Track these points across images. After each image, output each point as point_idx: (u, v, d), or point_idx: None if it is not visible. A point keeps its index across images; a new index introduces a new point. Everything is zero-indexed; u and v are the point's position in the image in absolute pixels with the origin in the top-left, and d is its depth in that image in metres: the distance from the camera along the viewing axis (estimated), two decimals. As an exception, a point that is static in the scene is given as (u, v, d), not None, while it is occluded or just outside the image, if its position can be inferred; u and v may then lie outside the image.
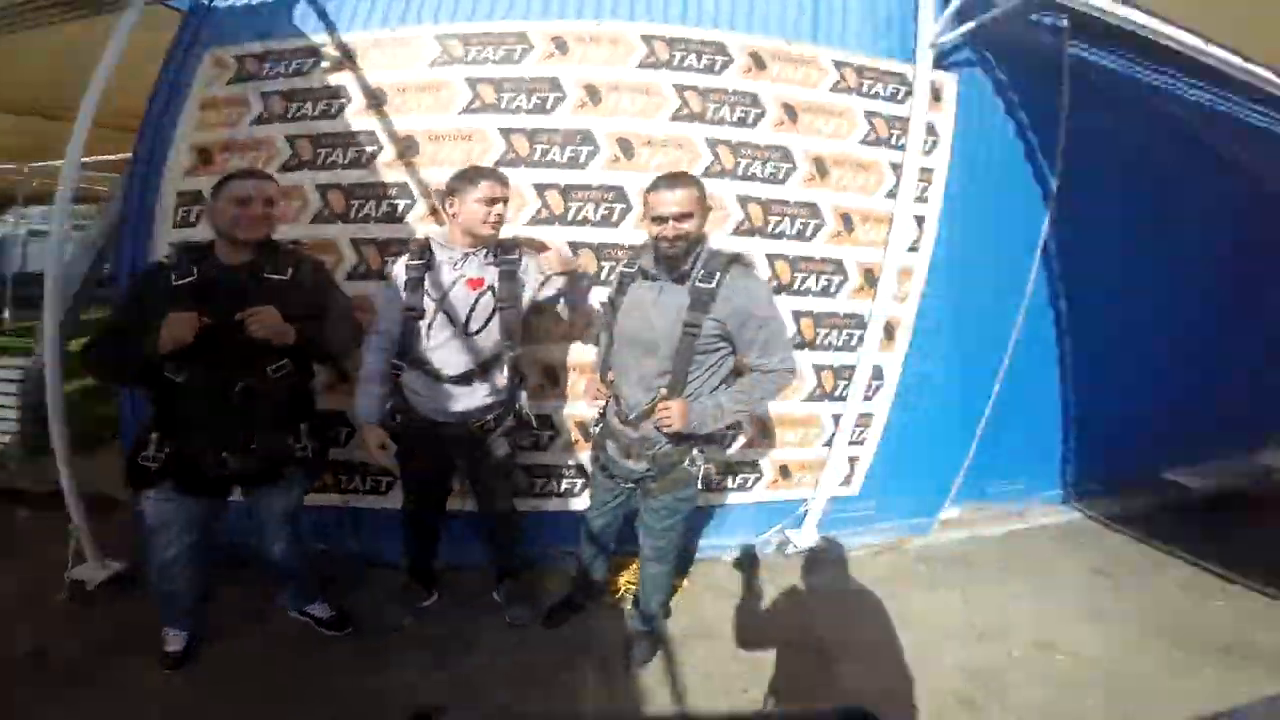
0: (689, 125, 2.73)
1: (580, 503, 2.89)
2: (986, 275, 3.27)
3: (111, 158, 6.17)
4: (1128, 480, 4.43)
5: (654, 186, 1.95)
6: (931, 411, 3.38)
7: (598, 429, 2.32)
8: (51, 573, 2.67)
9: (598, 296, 2.58)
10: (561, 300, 2.29)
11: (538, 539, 2.96)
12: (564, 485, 3.02)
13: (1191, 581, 3.48)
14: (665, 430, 2.00)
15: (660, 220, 1.90)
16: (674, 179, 1.96)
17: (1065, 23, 3.09)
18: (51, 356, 2.55)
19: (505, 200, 2.13)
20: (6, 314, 9.40)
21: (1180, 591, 3.36)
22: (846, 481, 3.34)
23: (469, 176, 2.12)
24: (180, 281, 1.87)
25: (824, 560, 3.33)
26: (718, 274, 1.92)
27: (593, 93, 2.68)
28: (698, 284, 1.93)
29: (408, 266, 2.20)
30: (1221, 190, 4.05)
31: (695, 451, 2.11)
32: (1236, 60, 3.33)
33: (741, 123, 2.78)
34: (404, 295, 2.18)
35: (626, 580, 2.89)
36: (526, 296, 2.27)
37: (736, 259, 2.01)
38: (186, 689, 2.23)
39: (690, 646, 2.66)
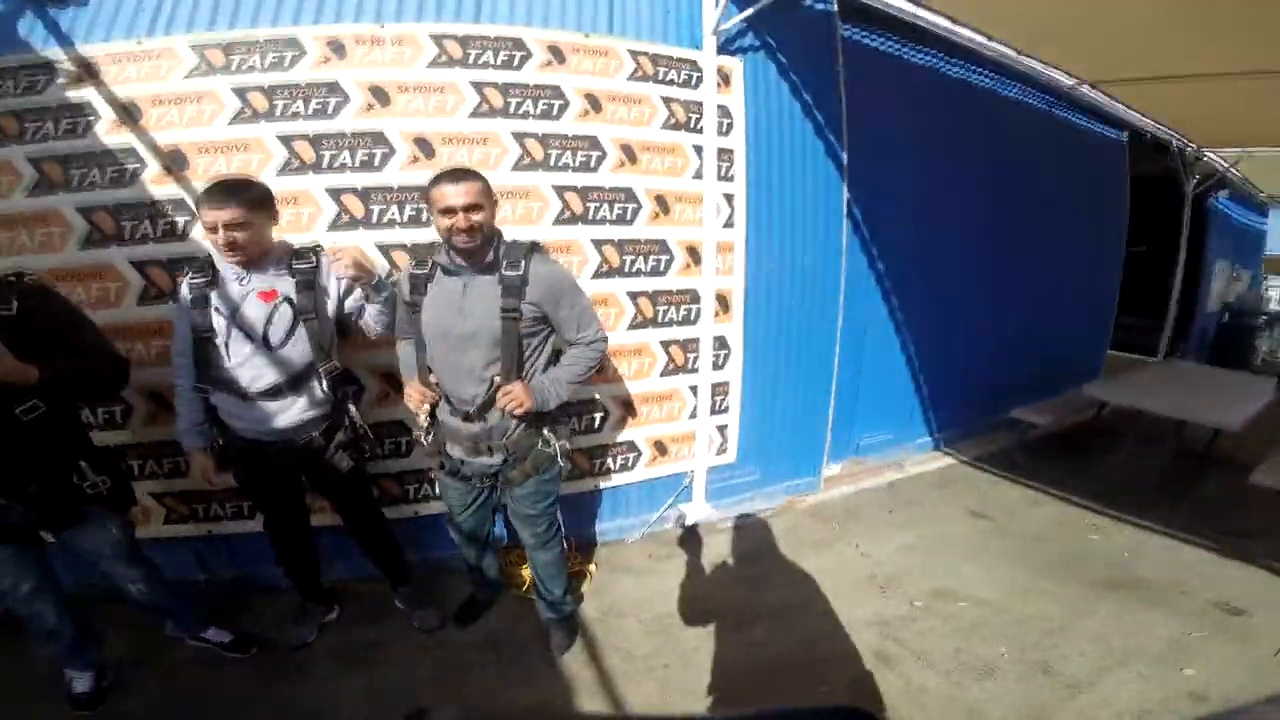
0: (491, 120, 2.73)
1: None
2: (805, 243, 3.51)
3: None
4: (986, 423, 4.93)
5: (435, 182, 1.91)
6: (784, 374, 3.60)
7: (429, 437, 2.22)
8: None
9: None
10: (367, 308, 2.15)
11: (427, 543, 2.91)
12: (437, 488, 2.85)
13: (1064, 517, 3.76)
14: (516, 413, 1.97)
15: (450, 212, 1.87)
16: (456, 173, 1.94)
17: (834, 7, 3.48)
18: None
19: (236, 224, 1.90)
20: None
21: (1057, 528, 3.61)
22: (722, 450, 3.50)
23: (199, 200, 1.97)
24: None
25: (721, 529, 3.46)
26: (522, 261, 1.96)
27: (380, 94, 2.61)
28: (505, 272, 1.95)
29: (190, 285, 2.03)
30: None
31: (546, 432, 2.12)
32: (979, 38, 3.95)
33: (546, 115, 2.82)
34: (192, 315, 2.01)
35: (530, 573, 2.78)
36: (332, 305, 2.14)
37: (535, 246, 2.05)
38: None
39: (607, 627, 2.69)
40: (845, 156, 3.56)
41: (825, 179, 3.55)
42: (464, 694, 2.30)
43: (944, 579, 3.05)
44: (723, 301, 3.27)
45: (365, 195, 2.61)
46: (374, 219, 2.63)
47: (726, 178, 3.18)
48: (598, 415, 3.13)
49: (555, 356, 2.13)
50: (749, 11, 3.04)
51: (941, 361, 4.63)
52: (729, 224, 3.22)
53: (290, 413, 2.10)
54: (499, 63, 2.75)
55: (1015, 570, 3.14)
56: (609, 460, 3.24)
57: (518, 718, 2.24)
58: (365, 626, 2.63)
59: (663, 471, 3.40)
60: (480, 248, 1.94)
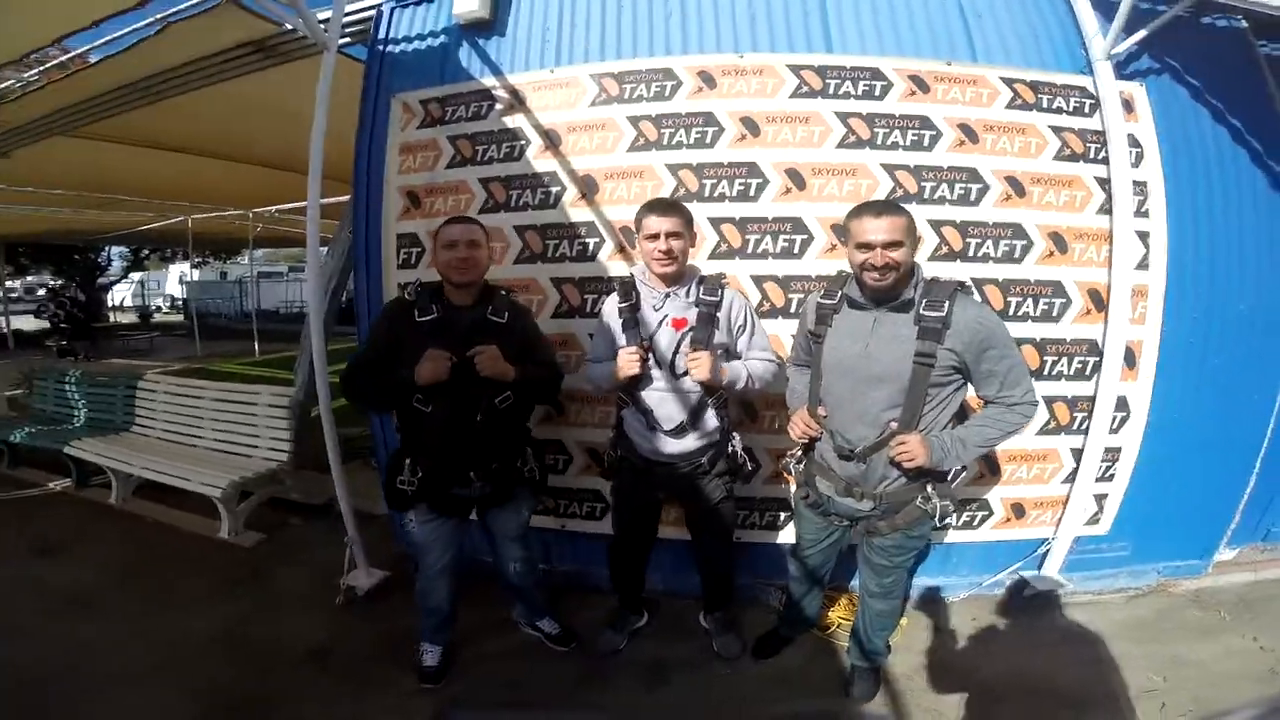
0: (859, 152, 2.69)
1: (783, 535, 2.91)
2: (1237, 290, 2.86)
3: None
4: None
5: (857, 213, 1.87)
6: (1193, 442, 2.93)
7: (801, 466, 2.19)
8: (327, 576, 3.10)
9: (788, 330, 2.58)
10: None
11: (743, 570, 2.85)
12: (766, 518, 2.92)
13: None
14: (907, 466, 1.86)
15: (866, 248, 1.80)
16: (881, 205, 1.89)
17: (1244, 23, 2.95)
18: (323, 386, 2.93)
19: (675, 233, 2.06)
20: (257, 347, 11.47)
21: None
22: (1094, 520, 2.97)
23: (640, 211, 2.15)
24: (423, 318, 2.09)
25: (1068, 604, 2.98)
26: (945, 302, 1.80)
27: (750, 125, 2.73)
28: (923, 312, 1.82)
29: (619, 309, 2.21)
30: None
31: (929, 489, 1.95)
32: None
33: (917, 146, 2.69)
34: (621, 336, 2.18)
35: (839, 615, 2.81)
36: (721, 338, 2.18)
37: (961, 287, 1.90)
38: (446, 694, 2.42)
39: (915, 686, 2.48)
40: (1292, 187, 2.83)
41: (1269, 212, 2.88)
42: None
43: None
44: (1129, 356, 2.73)
45: (742, 225, 2.73)
46: (750, 249, 2.73)
47: (1141, 214, 2.72)
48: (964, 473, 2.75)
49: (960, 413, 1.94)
50: (1142, 33, 2.68)
51: None
52: (1143, 265, 2.73)
53: (686, 441, 2.21)
54: (859, 93, 2.73)
55: None
56: (953, 518, 2.81)
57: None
58: (670, 643, 2.72)
59: (1013, 535, 2.99)
60: (893, 285, 1.83)
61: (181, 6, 3.21)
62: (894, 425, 1.86)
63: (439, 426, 2.10)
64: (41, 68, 3.80)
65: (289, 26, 3.15)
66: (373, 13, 3.32)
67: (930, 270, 2.52)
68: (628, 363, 2.09)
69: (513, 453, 2.29)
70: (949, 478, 2.01)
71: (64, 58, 3.71)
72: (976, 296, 2.60)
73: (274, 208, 10.22)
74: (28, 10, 3.12)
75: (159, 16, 3.22)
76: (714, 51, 2.84)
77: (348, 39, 3.39)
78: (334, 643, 2.70)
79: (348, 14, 3.21)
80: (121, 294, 21.66)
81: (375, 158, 3.15)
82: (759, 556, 2.96)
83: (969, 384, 1.90)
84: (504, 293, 2.26)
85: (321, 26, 2.87)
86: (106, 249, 17.52)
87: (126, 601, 3.00)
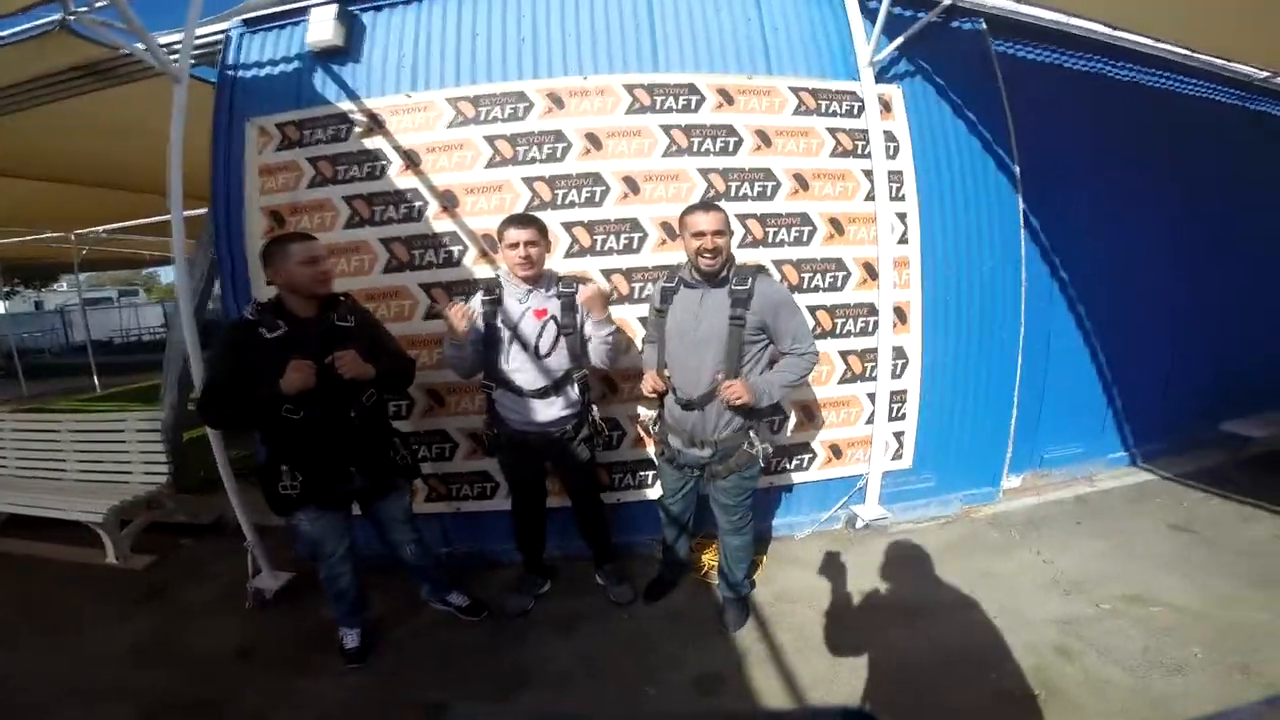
0: (680, 159, 3.24)
1: (654, 492, 3.37)
2: (982, 255, 3.65)
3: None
4: (1195, 439, 4.54)
5: (690, 211, 2.43)
6: (963, 383, 3.70)
7: (658, 427, 2.72)
8: (231, 586, 3.32)
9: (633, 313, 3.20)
10: (594, 337, 2.65)
11: (625, 528, 3.46)
12: (638, 479, 3.43)
13: None
14: (734, 404, 2.38)
15: (700, 235, 2.35)
16: (708, 204, 2.48)
17: (984, 25, 3.71)
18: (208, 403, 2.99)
19: (533, 242, 2.50)
20: (96, 382, 10.59)
21: (1275, 543, 3.34)
22: (897, 455, 3.66)
23: (501, 225, 2.56)
24: (272, 334, 2.26)
25: (893, 531, 3.59)
26: (750, 279, 2.39)
27: (594, 140, 3.22)
28: (734, 288, 2.39)
29: (482, 301, 2.60)
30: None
31: (752, 434, 2.50)
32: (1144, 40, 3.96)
33: (724, 151, 3.28)
34: (481, 326, 2.56)
35: (709, 558, 3.30)
36: (581, 321, 2.66)
37: (760, 268, 2.53)
38: (376, 669, 2.71)
39: (778, 610, 2.98)
40: (1017, 168, 3.69)
41: (998, 190, 3.69)
42: (655, 659, 2.69)
43: (1135, 585, 2.98)
44: (900, 314, 3.47)
45: (591, 227, 3.23)
46: (597, 247, 3.24)
47: (898, 197, 3.44)
48: (777, 419, 3.43)
49: (770, 366, 2.52)
50: (899, 40, 3.35)
51: (1137, 372, 4.42)
52: (903, 240, 3.46)
53: (552, 409, 2.64)
54: (680, 107, 3.27)
55: (1219, 580, 2.98)
56: (787, 462, 3.56)
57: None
58: (571, 598, 3.14)
59: (837, 473, 3.65)
60: (721, 267, 2.41)
61: (5, 33, 3.19)
62: (720, 376, 2.40)
63: (317, 430, 2.30)
64: None
65: (125, 51, 3.14)
66: (220, 37, 3.43)
67: (741, 257, 3.13)
68: (458, 317, 2.40)
69: (384, 444, 2.57)
70: (774, 428, 2.60)
71: None
72: (776, 276, 3.24)
73: (101, 228, 9.42)
74: None
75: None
76: (561, 74, 3.28)
77: (193, 61, 3.40)
78: (256, 641, 2.91)
79: (195, 37, 3.25)
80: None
81: (233, 180, 3.31)
82: (637, 514, 3.49)
83: (772, 344, 2.47)
84: (342, 298, 2.48)
85: (164, 50, 2.95)
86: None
87: (33, 632, 3.05)
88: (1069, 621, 2.72)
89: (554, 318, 2.59)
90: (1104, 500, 4.03)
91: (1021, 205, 3.72)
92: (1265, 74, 4.41)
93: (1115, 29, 3.90)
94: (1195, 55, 4.20)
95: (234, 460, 3.24)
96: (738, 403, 2.36)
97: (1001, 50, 3.80)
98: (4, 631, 3.06)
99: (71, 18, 2.98)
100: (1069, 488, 4.18)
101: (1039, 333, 3.95)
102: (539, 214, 2.80)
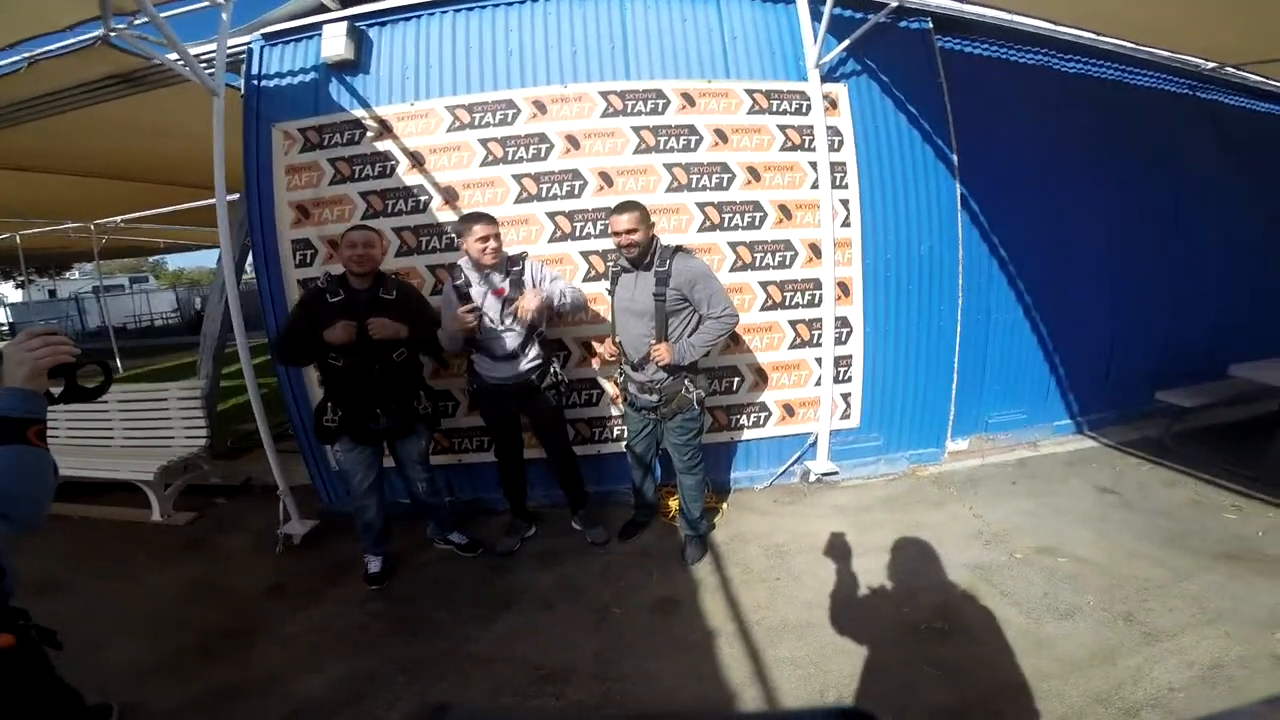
0: (648, 156, 3.81)
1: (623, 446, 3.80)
2: (921, 235, 4.18)
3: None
4: (1137, 410, 5.04)
5: (611, 213, 3.02)
6: (905, 350, 4.26)
7: (621, 378, 3.30)
8: (263, 537, 3.95)
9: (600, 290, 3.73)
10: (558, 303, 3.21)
11: (604, 477, 4.12)
12: (615, 432, 4.02)
13: (1203, 497, 3.80)
14: (660, 363, 2.99)
15: (618, 234, 2.95)
16: (622, 206, 3.00)
17: (930, 24, 4.18)
18: (249, 374, 3.82)
19: (495, 235, 3.05)
20: (119, 364, 11.30)
21: (1188, 507, 3.67)
22: (845, 415, 4.23)
23: (467, 221, 3.08)
24: (334, 300, 2.98)
25: (842, 485, 4.16)
26: (669, 260, 2.96)
27: (573, 140, 3.80)
28: (657, 269, 2.97)
29: (455, 287, 3.19)
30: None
31: (687, 382, 3.10)
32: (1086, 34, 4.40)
33: (686, 148, 3.84)
34: (457, 305, 3.13)
35: (675, 505, 3.78)
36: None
37: (679, 249, 3.04)
38: (388, 594, 3.30)
39: (731, 549, 3.54)
40: (955, 156, 4.20)
41: (937, 178, 4.20)
42: (624, 585, 3.21)
43: (1050, 539, 3.37)
44: (843, 287, 4.04)
45: (571, 216, 3.83)
46: (577, 233, 3.85)
47: (841, 186, 3.99)
48: (735, 380, 4.05)
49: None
50: (846, 42, 3.85)
51: (1080, 344, 4.93)
52: (846, 224, 4.01)
53: (519, 365, 3.23)
54: (648, 110, 3.82)
55: (1127, 537, 3.34)
56: (744, 418, 4.15)
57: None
58: (553, 539, 3.74)
59: (790, 430, 4.23)
60: (640, 255, 2.96)
61: (52, 47, 3.58)
62: (650, 341, 3.01)
63: (350, 375, 2.99)
64: None
65: (157, 61, 3.52)
66: (243, 49, 3.95)
67: (699, 240, 3.67)
68: (463, 319, 2.99)
69: (409, 395, 3.20)
70: (709, 386, 3.19)
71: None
72: (698, 256, 3.59)
73: (119, 218, 10.00)
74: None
75: (26, 56, 3.59)
76: (545, 84, 3.82)
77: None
78: (286, 579, 3.47)
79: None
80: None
81: (264, 177, 3.87)
82: (612, 465, 4.11)
83: (696, 313, 3.00)
84: (393, 276, 3.20)
85: (201, 64, 3.47)
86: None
87: (94, 578, 3.59)
88: (983, 567, 3.13)
89: (509, 297, 3.14)
90: (1042, 464, 4.49)
91: (960, 190, 4.22)
92: (1212, 66, 4.82)
93: (1058, 24, 4.29)
94: (1142, 48, 4.61)
95: (272, 425, 3.88)
96: (663, 362, 2.98)
97: (948, 46, 4.28)
98: (67, 581, 3.54)
99: (113, 34, 3.35)
100: (1012, 452, 4.67)
101: (979, 306, 4.50)
102: (526, 206, 3.44)
